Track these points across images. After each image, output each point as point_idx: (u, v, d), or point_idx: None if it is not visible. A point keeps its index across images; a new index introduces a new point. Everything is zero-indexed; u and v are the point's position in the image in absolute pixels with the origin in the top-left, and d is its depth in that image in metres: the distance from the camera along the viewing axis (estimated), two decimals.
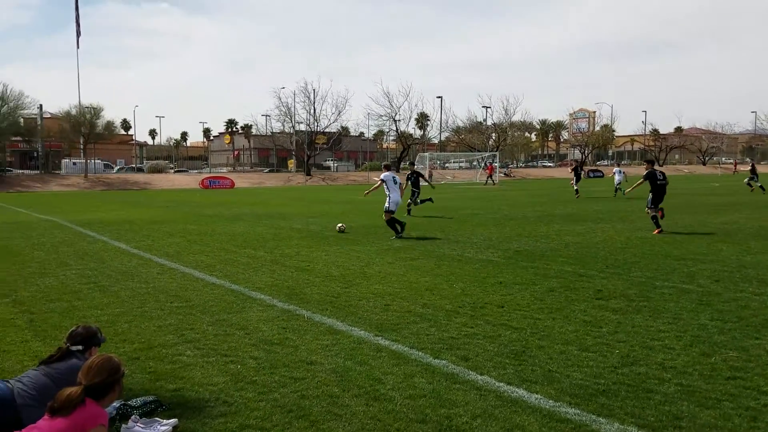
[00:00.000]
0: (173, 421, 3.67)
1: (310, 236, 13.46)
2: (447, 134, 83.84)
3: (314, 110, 68.95)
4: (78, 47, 55.05)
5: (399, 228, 13.10)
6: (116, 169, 68.89)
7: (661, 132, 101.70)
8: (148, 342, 5.35)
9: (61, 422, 2.98)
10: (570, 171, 30.97)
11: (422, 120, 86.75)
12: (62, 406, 3.00)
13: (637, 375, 4.48)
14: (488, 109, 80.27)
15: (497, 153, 67.38)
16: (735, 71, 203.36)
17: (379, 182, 13.95)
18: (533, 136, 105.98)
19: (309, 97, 68.43)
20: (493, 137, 79.28)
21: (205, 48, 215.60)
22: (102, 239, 13.07)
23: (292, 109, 68.73)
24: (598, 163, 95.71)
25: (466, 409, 3.88)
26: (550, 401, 4.01)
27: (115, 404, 3.68)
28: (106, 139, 64.54)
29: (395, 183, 13.76)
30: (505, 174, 69.20)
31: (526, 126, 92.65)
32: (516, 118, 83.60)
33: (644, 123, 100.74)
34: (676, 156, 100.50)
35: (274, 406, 3.93)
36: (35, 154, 66.08)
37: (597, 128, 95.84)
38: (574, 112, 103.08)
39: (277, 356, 4.93)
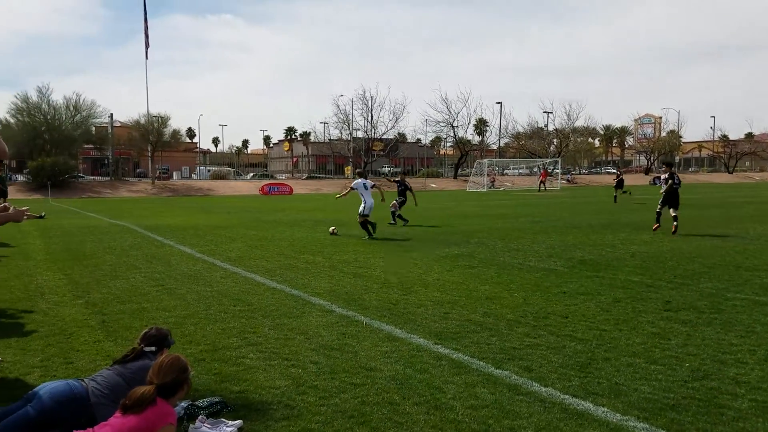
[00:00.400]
0: (238, 422, 3.73)
1: (366, 242, 13.52)
2: (506, 140, 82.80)
3: (371, 117, 69.55)
4: (147, 58, 57.45)
5: (371, 229, 14.15)
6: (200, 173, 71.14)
7: (731, 138, 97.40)
8: (213, 344, 5.48)
9: (133, 419, 3.09)
10: (615, 179, 30.69)
11: (481, 126, 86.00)
12: (135, 404, 3.11)
13: (708, 390, 4.28)
14: (550, 115, 78.86)
15: (559, 159, 66.06)
16: None
17: (348, 189, 15.19)
18: (596, 142, 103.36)
19: (367, 105, 69.09)
20: (555, 143, 77.76)
21: (266, 57, 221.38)
22: (168, 243, 13.51)
23: (350, 116, 69.58)
24: (662, 168, 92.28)
25: (530, 421, 3.78)
26: (618, 415, 3.87)
27: (183, 404, 3.79)
28: (172, 146, 66.90)
29: (366, 189, 14.74)
30: (567, 180, 67.79)
31: (589, 132, 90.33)
32: (579, 123, 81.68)
33: (713, 129, 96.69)
34: (747, 163, 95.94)
35: (335, 411, 3.94)
36: (106, 161, 69.15)
37: (663, 134, 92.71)
38: (640, 118, 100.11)
39: (337, 361, 4.95)
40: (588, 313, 6.63)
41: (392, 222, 17.98)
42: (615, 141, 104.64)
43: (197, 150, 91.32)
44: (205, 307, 7.02)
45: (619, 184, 30.97)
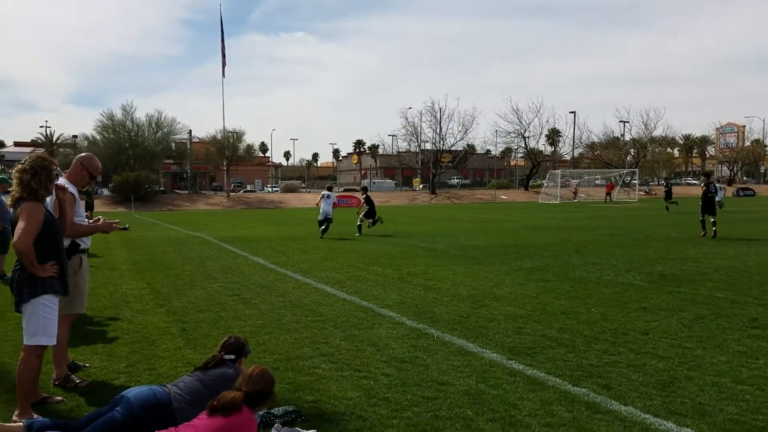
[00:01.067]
0: None
1: (436, 255, 13.46)
2: (580, 150, 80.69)
3: (440, 129, 69.50)
4: (223, 76, 59.84)
5: (324, 229, 18.51)
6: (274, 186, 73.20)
7: None
8: (287, 354, 5.57)
9: (218, 422, 3.20)
10: (663, 190, 30.61)
11: (553, 136, 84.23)
12: (224, 407, 3.23)
13: None
14: (626, 124, 76.31)
15: (636, 170, 63.77)
16: None
17: (319, 198, 19.60)
18: (676, 152, 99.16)
19: (435, 116, 69.12)
20: (632, 153, 75.15)
21: (336, 72, 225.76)
22: (243, 254, 13.91)
23: (419, 128, 69.75)
24: (745, 179, 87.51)
25: None
26: None
27: (259, 412, 3.86)
28: (246, 161, 69.09)
29: (328, 198, 19.39)
30: (645, 192, 65.34)
31: (668, 141, 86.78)
32: (657, 132, 78.60)
33: None
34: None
35: (408, 425, 3.92)
36: (185, 176, 72.16)
37: (747, 143, 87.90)
38: (722, 127, 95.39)
39: (409, 374, 4.93)
40: (669, 329, 6.33)
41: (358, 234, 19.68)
42: (695, 151, 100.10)
43: (270, 164, 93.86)
44: (278, 317, 7.17)
45: (668, 195, 31.06)
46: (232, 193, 61.66)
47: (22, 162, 4.22)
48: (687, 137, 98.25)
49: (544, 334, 6.22)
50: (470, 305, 7.75)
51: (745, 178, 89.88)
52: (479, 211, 38.00)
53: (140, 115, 68.84)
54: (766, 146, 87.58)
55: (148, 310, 7.72)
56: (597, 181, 70.21)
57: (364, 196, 21.03)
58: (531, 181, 73.82)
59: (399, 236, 18.70)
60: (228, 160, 62.44)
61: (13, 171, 4.21)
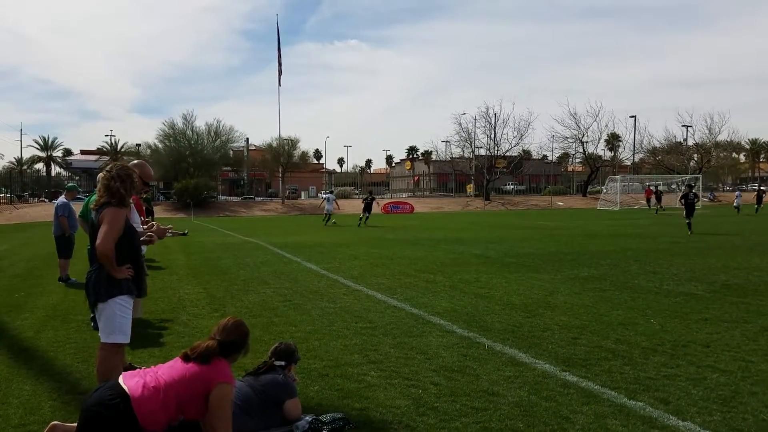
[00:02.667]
0: None
1: (488, 262, 13.29)
2: (641, 155, 78.27)
3: (494, 134, 68.79)
4: (279, 85, 61.14)
5: (326, 221, 26.37)
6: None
7: None
8: (336, 360, 5.60)
9: (195, 368, 3.32)
10: (680, 201, 29.11)
11: (613, 141, 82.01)
12: (199, 356, 3.35)
13: None
14: (689, 128, 73.64)
15: (700, 176, 61.41)
16: None
17: (322, 200, 27.24)
18: (742, 157, 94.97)
19: (490, 122, 68.47)
20: (695, 158, 72.44)
21: (390, 79, 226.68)
22: (296, 260, 14.11)
23: (472, 134, 69.24)
24: None
25: None
26: None
27: (307, 418, 3.90)
28: (301, 168, 70.12)
29: (330, 201, 29.71)
30: (710, 199, 62.85)
31: (734, 146, 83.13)
32: (721, 137, 75.43)
33: None
34: None
35: None
36: (241, 182, 73.84)
37: None
38: None
39: (458, 384, 4.87)
40: (732, 342, 6.04)
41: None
42: (762, 156, 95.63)
43: (323, 170, 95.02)
44: (328, 323, 7.23)
45: (690, 209, 28.81)
46: (286, 200, 62.71)
47: (108, 170, 4.45)
48: (754, 142, 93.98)
49: (599, 345, 6.04)
50: (523, 314, 7.61)
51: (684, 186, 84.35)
52: (534, 218, 37.35)
53: (200, 123, 71.00)
54: None
55: (204, 314, 7.91)
56: (660, 187, 68.00)
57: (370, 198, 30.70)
58: (589, 186, 72.06)
59: (451, 243, 18.57)
60: (283, 167, 63.52)
61: (100, 178, 4.45)
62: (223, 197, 67.69)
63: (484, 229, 26.66)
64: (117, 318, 4.29)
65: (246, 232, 25.72)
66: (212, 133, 61.92)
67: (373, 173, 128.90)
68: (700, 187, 57.20)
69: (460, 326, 6.95)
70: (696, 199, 23.79)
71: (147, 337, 6.63)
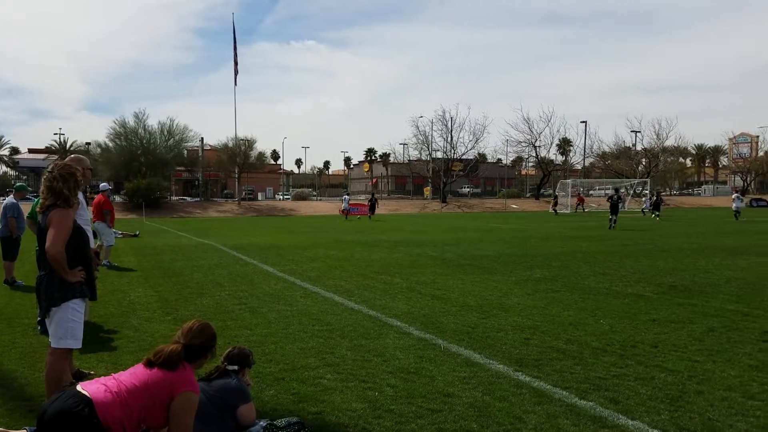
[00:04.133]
0: None
1: (445, 264, 13.41)
2: (591, 160, 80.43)
3: (451, 138, 69.63)
4: (235, 84, 60.17)
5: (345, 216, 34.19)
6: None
7: None
8: (292, 363, 5.55)
9: (159, 374, 3.20)
10: (607, 201, 30.98)
11: (564, 145, 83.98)
12: (166, 360, 3.22)
13: None
14: (638, 134, 75.99)
15: (648, 180, 63.43)
16: None
17: (342, 201, 36.53)
18: (688, 162, 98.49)
19: (446, 125, 69.29)
20: (643, 163, 74.77)
21: (347, 81, 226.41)
22: (252, 262, 13.94)
23: (429, 137, 69.87)
24: None
25: None
26: None
27: (261, 423, 3.85)
28: (257, 168, 69.37)
29: (346, 201, 43.62)
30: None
31: (680, 151, 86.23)
32: (669, 142, 78.24)
33: None
34: None
35: None
36: (196, 183, 72.55)
37: (760, 154, 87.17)
38: (735, 137, 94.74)
39: (414, 386, 4.90)
40: (679, 342, 6.25)
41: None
42: (708, 161, 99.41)
43: (281, 171, 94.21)
44: (285, 326, 7.16)
45: (656, 206, 31.98)
46: (242, 201, 61.92)
47: (50, 170, 4.31)
48: (700, 147, 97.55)
49: (551, 346, 6.17)
50: (478, 315, 7.71)
51: (612, 190, 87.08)
52: (490, 220, 37.89)
53: (152, 122, 69.45)
54: None
55: (155, 318, 7.74)
56: (607, 192, 69.86)
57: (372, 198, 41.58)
58: (542, 190, 73.58)
59: (408, 245, 18.66)
60: (239, 168, 62.70)
61: (42, 179, 4.30)
62: (177, 198, 66.41)
63: (441, 231, 26.89)
64: (69, 322, 4.17)
65: (200, 234, 25.28)
66: (165, 132, 60.66)
67: (332, 175, 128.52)
68: (648, 191, 59.13)
69: (416, 328, 6.99)
70: (620, 201, 29.25)
71: (96, 342, 6.44)
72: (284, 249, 17.50)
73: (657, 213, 36.87)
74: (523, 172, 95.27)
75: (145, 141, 59.58)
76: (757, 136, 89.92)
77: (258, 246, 18.63)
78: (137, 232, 24.53)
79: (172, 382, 3.23)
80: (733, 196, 37.01)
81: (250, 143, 63.89)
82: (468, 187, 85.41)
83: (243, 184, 66.82)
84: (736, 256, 14.30)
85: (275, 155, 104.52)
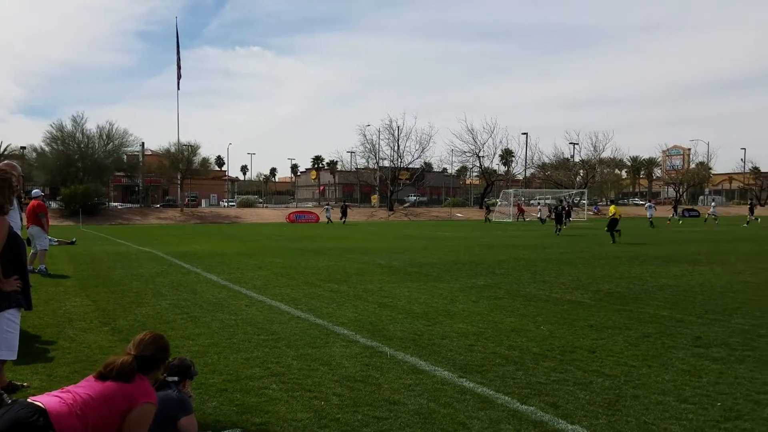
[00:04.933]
0: None
1: (392, 272, 13.49)
2: (532, 171, 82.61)
3: (398, 147, 70.22)
4: (178, 89, 58.92)
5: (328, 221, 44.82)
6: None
7: (763, 170, 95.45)
8: (236, 374, 5.47)
9: (116, 386, 3.11)
10: (549, 212, 33.57)
11: (507, 156, 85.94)
12: (119, 373, 3.13)
13: (741, 431, 4.12)
14: (576, 146, 78.52)
15: (585, 190, 65.53)
16: None
17: (323, 209, 47.60)
18: (624, 173, 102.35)
19: (393, 134, 69.83)
20: (581, 174, 77.25)
21: (294, 87, 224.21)
22: (195, 271, 13.65)
23: (377, 145, 70.23)
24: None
25: None
26: None
27: None
28: (201, 174, 68.12)
29: (328, 211, 50.34)
30: (594, 212, 67.11)
31: (616, 163, 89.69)
32: (605, 154, 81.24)
33: (743, 161, 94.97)
34: None
35: None
36: (136, 189, 70.56)
37: (692, 166, 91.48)
38: (668, 149, 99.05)
39: (360, 394, 4.90)
40: (616, 348, 6.49)
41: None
42: (642, 172, 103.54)
43: (226, 178, 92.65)
44: (228, 335, 7.04)
45: (558, 218, 32.48)
46: (185, 207, 60.57)
47: None
48: (634, 159, 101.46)
49: (494, 352, 6.29)
50: (424, 323, 7.78)
51: (557, 200, 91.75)
52: (435, 228, 38.32)
53: (91, 126, 67.11)
54: (710, 168, 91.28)
55: (92, 328, 7.48)
56: (548, 201, 71.89)
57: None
58: (486, 199, 74.97)
59: (356, 253, 18.67)
60: (182, 174, 61.38)
61: None
62: (116, 204, 64.40)
63: (389, 239, 27.04)
64: (3, 333, 4.02)
65: (141, 241, 24.59)
66: (104, 137, 58.84)
67: (278, 182, 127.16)
68: (586, 201, 61.20)
69: (363, 336, 7.00)
70: (563, 211, 32.94)
71: (30, 353, 6.16)
72: (229, 257, 17.21)
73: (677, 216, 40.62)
74: (468, 182, 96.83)
75: (83, 145, 57.59)
76: (689, 149, 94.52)
77: (201, 254, 18.27)
78: (74, 240, 23.64)
79: (131, 393, 3.14)
80: (647, 206, 41.11)
81: (193, 149, 62.78)
82: (414, 196, 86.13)
83: (186, 190, 65.48)
84: (669, 264, 14.94)
85: (220, 161, 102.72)
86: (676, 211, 42.92)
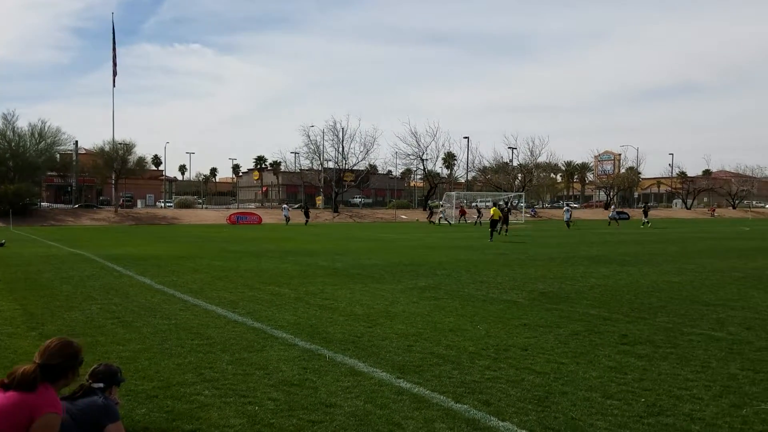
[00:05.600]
0: None
1: (335, 274, 13.46)
2: (474, 174, 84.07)
3: (342, 148, 70.01)
4: (114, 86, 57.00)
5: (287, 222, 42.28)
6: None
7: (689, 175, 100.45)
8: (167, 380, 5.33)
9: (18, 396, 2.98)
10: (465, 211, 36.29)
11: (449, 159, 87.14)
12: (20, 382, 3.00)
13: (663, 426, 4.31)
14: (514, 150, 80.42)
15: (523, 193, 67.15)
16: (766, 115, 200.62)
17: (283, 209, 48.08)
18: (559, 177, 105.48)
19: (337, 136, 69.59)
20: (519, 178, 79.17)
21: (235, 86, 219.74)
22: (128, 274, 13.24)
23: (321, 147, 69.85)
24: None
25: None
26: None
27: None
28: (137, 174, 66.14)
29: (286, 210, 50.00)
30: (531, 214, 68.87)
31: (552, 167, 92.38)
32: (541, 159, 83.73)
33: (671, 166, 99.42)
34: (705, 199, 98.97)
35: None
36: (69, 189, 67.85)
37: (622, 170, 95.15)
38: (600, 155, 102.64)
39: (296, 398, 4.87)
40: (547, 345, 6.68)
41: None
42: (576, 177, 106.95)
43: (163, 177, 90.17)
44: (161, 341, 6.86)
45: (493, 224, 29.24)
46: (120, 208, 58.63)
47: None
48: (569, 164, 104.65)
49: (432, 352, 6.37)
50: (365, 324, 7.81)
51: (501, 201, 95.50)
52: (380, 230, 38.47)
53: (23, 124, 64.19)
54: (639, 173, 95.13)
55: (19, 333, 7.16)
56: (488, 204, 73.28)
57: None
58: (429, 201, 75.77)
59: (299, 255, 18.54)
60: (116, 173, 59.44)
61: None
62: (48, 204, 61.72)
63: (332, 240, 26.97)
64: None
65: (73, 243, 23.65)
66: (36, 135, 56.25)
67: (219, 182, 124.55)
68: (523, 204, 62.78)
69: (302, 339, 6.96)
70: (509, 212, 35.28)
71: None
72: (164, 260, 16.77)
73: (646, 221, 42.32)
74: (412, 184, 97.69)
75: (13, 144, 54.92)
76: (620, 154, 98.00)
77: (135, 256, 17.73)
78: (3, 242, 22.53)
79: (33, 404, 3.00)
80: (564, 209, 46.83)
81: (128, 147, 60.85)
82: (359, 198, 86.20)
83: (121, 190, 63.38)
84: (599, 265, 15.50)
85: (157, 161, 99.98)
86: (646, 214, 45.56)
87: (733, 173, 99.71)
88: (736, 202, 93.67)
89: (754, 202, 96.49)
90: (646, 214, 46.59)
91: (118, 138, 62.38)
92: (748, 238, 28.92)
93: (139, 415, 4.44)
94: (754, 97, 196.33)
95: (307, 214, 50.52)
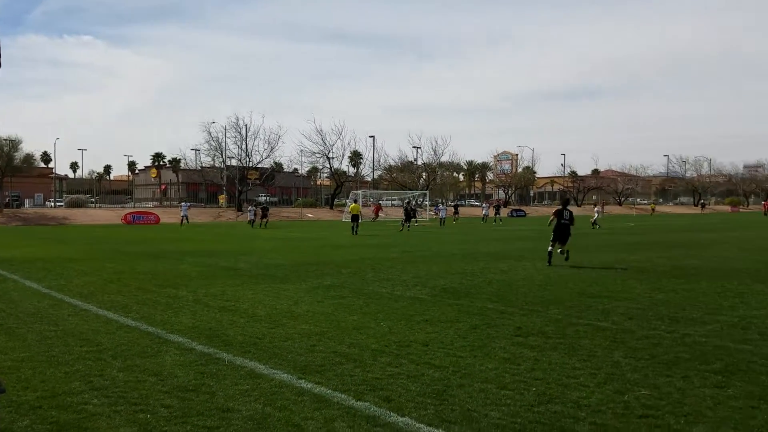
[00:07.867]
0: None
1: (237, 274, 13.16)
2: (380, 173, 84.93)
3: (246, 146, 68.46)
4: None
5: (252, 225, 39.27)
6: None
7: (579, 174, 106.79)
8: (53, 390, 5.01)
9: None
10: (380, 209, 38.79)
11: (355, 158, 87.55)
12: None
13: (552, 414, 4.54)
14: (418, 150, 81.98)
15: (427, 192, 68.60)
16: (649, 119, 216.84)
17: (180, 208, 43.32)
18: (461, 176, 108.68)
19: (240, 133, 67.97)
20: (424, 176, 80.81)
21: (130, 80, 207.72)
22: (12, 278, 12.32)
23: (223, 144, 67.99)
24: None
25: None
26: None
27: None
28: (24, 172, 61.77)
29: (252, 213, 42.75)
30: (435, 213, 70.56)
31: (454, 166, 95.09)
32: (444, 158, 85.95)
33: (563, 165, 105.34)
34: (594, 197, 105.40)
35: None
36: None
37: (519, 170, 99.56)
38: (498, 155, 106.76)
39: (192, 404, 4.72)
40: (446, 340, 6.87)
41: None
42: (477, 176, 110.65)
43: (53, 176, 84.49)
44: (47, 348, 6.44)
45: (407, 216, 35.99)
46: (6, 208, 54.37)
47: None
48: (470, 163, 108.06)
49: (335, 351, 6.38)
50: (267, 325, 7.69)
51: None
52: (285, 229, 37.98)
53: None
54: (535, 172, 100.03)
55: None
56: (394, 203, 74.31)
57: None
58: (336, 200, 75.73)
59: (199, 255, 17.95)
60: (1, 171, 55.14)
61: None
62: None
63: (236, 240, 26.34)
64: None
65: None
66: None
67: (114, 180, 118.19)
68: (428, 202, 64.20)
69: (200, 342, 6.75)
70: (413, 211, 37.19)
71: None
72: (53, 262, 15.74)
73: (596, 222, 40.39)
74: (318, 182, 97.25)
75: None
76: (517, 154, 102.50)
77: (21, 259, 16.53)
78: None
79: None
80: (483, 205, 51.86)
81: (14, 144, 56.67)
82: (265, 196, 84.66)
83: (6, 189, 58.82)
84: (498, 260, 16.12)
85: (46, 158, 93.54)
86: (599, 212, 46.55)
87: (619, 173, 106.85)
88: (622, 199, 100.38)
89: (638, 200, 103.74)
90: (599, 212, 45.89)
91: (3, 134, 57.98)
92: (634, 233, 31.09)
93: (21, 428, 4.15)
94: (643, 101, 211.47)
95: (265, 215, 40.94)
